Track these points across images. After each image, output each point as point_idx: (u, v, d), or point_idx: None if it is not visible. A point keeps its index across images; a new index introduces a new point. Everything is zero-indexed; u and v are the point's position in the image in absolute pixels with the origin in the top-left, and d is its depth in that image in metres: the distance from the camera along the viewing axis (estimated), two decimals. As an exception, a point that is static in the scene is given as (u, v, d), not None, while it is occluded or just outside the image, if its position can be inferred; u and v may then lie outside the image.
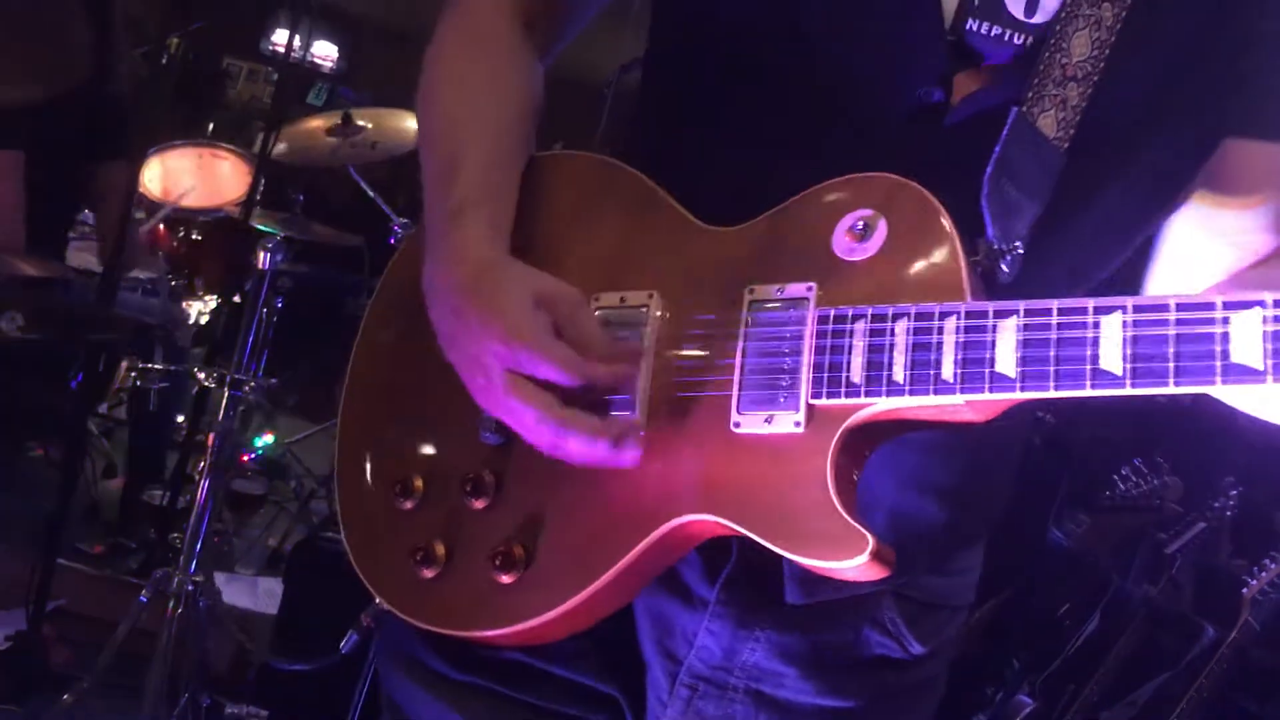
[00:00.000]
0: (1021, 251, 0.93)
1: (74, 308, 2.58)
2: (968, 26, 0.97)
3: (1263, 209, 1.04)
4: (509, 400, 0.90)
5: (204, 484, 2.39)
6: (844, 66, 0.98)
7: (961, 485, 1.02)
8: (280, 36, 11.61)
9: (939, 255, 0.88)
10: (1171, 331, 0.80)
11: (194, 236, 4.26)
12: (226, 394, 2.40)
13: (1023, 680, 3.09)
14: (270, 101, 11.05)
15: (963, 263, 0.87)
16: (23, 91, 2.42)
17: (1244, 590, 2.69)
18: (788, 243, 0.94)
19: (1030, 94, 0.94)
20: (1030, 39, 0.97)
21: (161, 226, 4.03)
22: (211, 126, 8.55)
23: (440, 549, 0.98)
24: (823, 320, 0.89)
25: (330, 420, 4.67)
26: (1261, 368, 0.78)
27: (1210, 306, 0.79)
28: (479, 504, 0.98)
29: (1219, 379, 0.78)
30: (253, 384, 2.42)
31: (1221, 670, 2.62)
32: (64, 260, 3.40)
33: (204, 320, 4.20)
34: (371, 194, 4.53)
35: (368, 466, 1.07)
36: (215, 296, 4.33)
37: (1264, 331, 0.77)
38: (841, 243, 0.91)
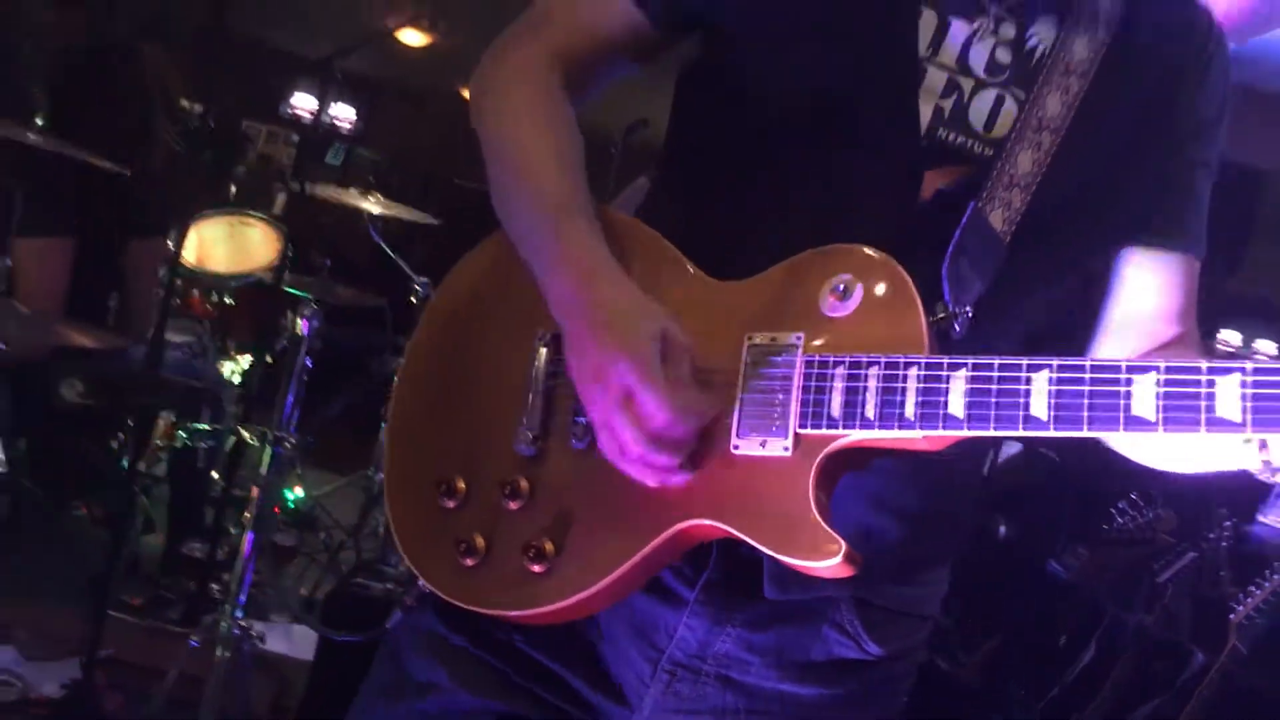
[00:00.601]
0: (970, 316, 1.12)
1: (128, 374, 2.77)
2: (939, 135, 1.19)
3: (1164, 306, 1.28)
4: (616, 415, 1.07)
5: (248, 534, 2.57)
6: (840, 162, 1.19)
7: (920, 509, 1.21)
8: (300, 100, 11.94)
9: (905, 315, 1.08)
10: (1087, 388, 0.98)
11: (226, 300, 4.47)
12: (269, 450, 2.59)
13: (1025, 708, 3.22)
14: (290, 163, 11.34)
15: (924, 322, 1.07)
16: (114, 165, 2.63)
17: (1231, 616, 2.84)
18: (782, 298, 1.13)
19: (985, 194, 1.15)
20: (988, 149, 1.18)
21: (196, 292, 4.24)
22: (233, 189, 8.78)
23: (480, 541, 1.17)
24: (809, 364, 1.08)
25: (357, 473, 4.86)
26: (1154, 420, 0.96)
27: (1117, 369, 0.98)
28: (514, 505, 1.17)
29: (1121, 428, 0.97)
30: (292, 440, 2.61)
31: (1211, 693, 2.76)
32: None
33: (236, 380, 4.41)
34: (393, 255, 4.75)
35: (416, 470, 1.26)
36: (248, 356, 4.54)
37: (1156, 391, 0.96)
38: (826, 301, 1.11)
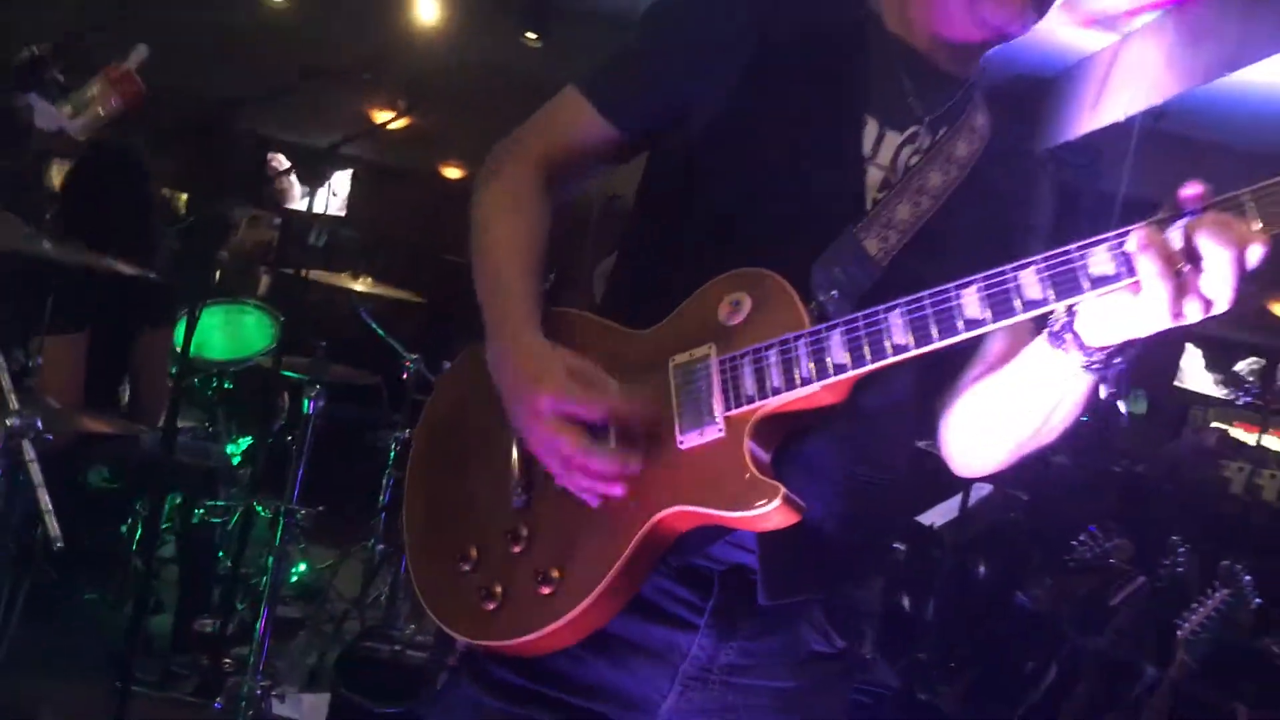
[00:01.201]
0: (837, 295, 1.38)
1: (147, 459, 2.97)
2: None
3: (1015, 339, 1.48)
4: (552, 437, 1.33)
5: (265, 602, 2.78)
6: (795, 251, 1.42)
7: (860, 525, 1.46)
8: (281, 184, 12.19)
9: (787, 308, 1.35)
10: (930, 311, 1.25)
11: (226, 386, 4.70)
12: (281, 523, 2.80)
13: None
14: (274, 245, 11.53)
15: (801, 307, 1.34)
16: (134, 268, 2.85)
17: (1178, 633, 3.05)
18: (692, 324, 1.41)
19: (863, 223, 1.43)
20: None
21: (196, 380, 4.47)
22: (218, 274, 8.97)
23: (498, 588, 1.40)
24: (722, 364, 1.35)
25: (357, 545, 5.05)
26: (983, 317, 1.22)
27: (946, 292, 1.24)
28: (518, 549, 1.41)
29: (962, 329, 1.23)
30: (303, 513, 2.83)
31: (1163, 705, 2.97)
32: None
33: (236, 460, 4.61)
34: (384, 335, 4.99)
35: (435, 548, 1.50)
36: (248, 437, 4.75)
37: (979, 297, 1.22)
38: (724, 315, 1.38)
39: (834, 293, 1.38)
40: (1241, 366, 7.85)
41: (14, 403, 1.91)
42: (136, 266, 3.01)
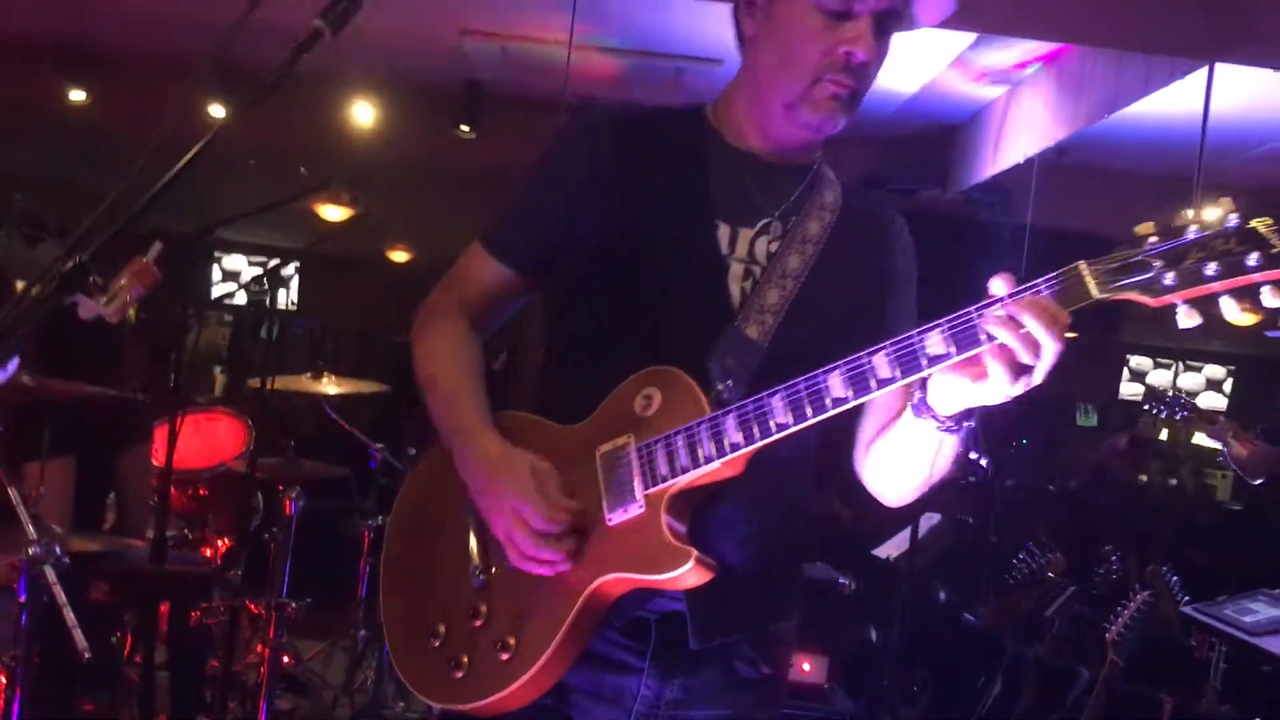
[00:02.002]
0: (733, 384, 1.61)
1: (144, 572, 3.17)
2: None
3: (892, 402, 1.68)
4: (511, 529, 1.59)
5: (263, 702, 2.98)
6: (676, 346, 1.66)
7: (774, 562, 1.73)
8: (229, 286, 12.32)
9: (690, 398, 1.59)
10: (804, 394, 1.50)
11: (201, 492, 4.88)
12: (275, 617, 3.02)
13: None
14: (226, 343, 11.63)
15: (703, 398, 1.58)
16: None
17: (1106, 635, 3.32)
18: (614, 418, 1.64)
19: (741, 315, 1.67)
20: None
21: (172, 489, 4.64)
22: (172, 378, 9.05)
23: (464, 658, 1.65)
24: (639, 450, 1.59)
25: (340, 633, 5.22)
26: (891, 375, 1.45)
27: (815, 378, 1.49)
28: (479, 623, 1.66)
29: (852, 398, 1.47)
30: (294, 605, 3.05)
31: (1099, 704, 3.23)
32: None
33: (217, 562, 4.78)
34: (349, 428, 5.21)
35: (408, 629, 1.75)
36: (226, 539, 4.93)
37: (888, 359, 1.45)
38: (639, 407, 1.62)
39: (729, 381, 1.62)
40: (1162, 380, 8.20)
41: (32, 531, 2.14)
42: (115, 388, 3.22)
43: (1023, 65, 5.46)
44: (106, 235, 1.30)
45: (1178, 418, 5.63)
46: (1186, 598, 3.83)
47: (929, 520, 5.81)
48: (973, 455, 1.43)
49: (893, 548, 5.64)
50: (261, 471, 4.65)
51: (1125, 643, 3.32)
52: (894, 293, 1.79)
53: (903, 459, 1.66)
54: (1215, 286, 1.30)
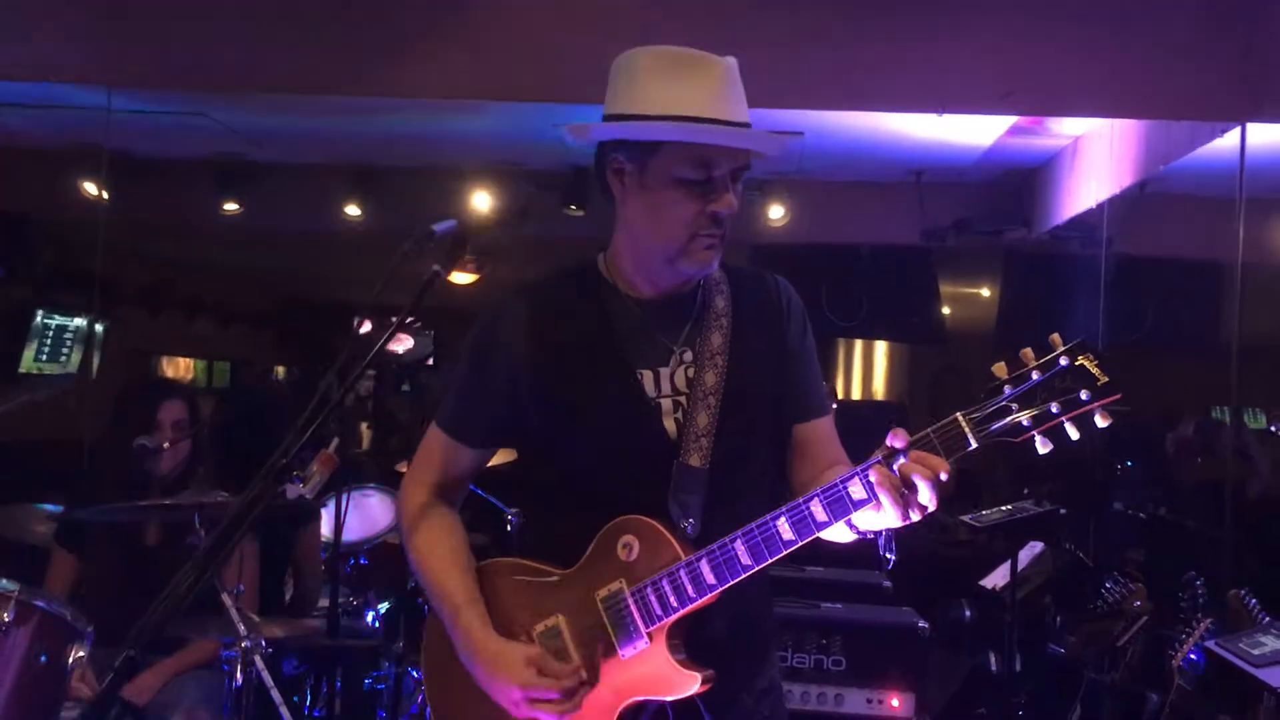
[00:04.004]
0: (693, 521, 1.86)
1: (326, 646, 3.72)
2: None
3: (821, 450, 2.00)
4: (532, 709, 1.84)
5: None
6: (625, 488, 1.89)
7: (746, 632, 1.98)
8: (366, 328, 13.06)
9: (665, 544, 1.83)
10: (758, 538, 1.75)
11: (362, 562, 5.50)
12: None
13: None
14: (370, 397, 12.35)
15: (676, 545, 1.81)
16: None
17: (1172, 661, 3.61)
18: (601, 565, 1.86)
19: (682, 448, 1.88)
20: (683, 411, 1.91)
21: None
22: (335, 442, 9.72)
23: None
24: (633, 594, 1.83)
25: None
26: (826, 519, 1.73)
27: (767, 524, 1.75)
28: None
29: (801, 539, 1.75)
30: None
31: (1167, 726, 3.53)
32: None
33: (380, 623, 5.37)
34: (483, 494, 5.75)
35: None
36: (386, 603, 5.53)
37: (822, 504, 1.73)
38: (623, 554, 1.86)
39: (691, 520, 1.86)
40: None
41: (243, 628, 2.70)
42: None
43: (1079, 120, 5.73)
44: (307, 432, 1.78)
45: (1273, 429, 5.71)
46: (1267, 618, 4.06)
47: (1032, 549, 6.05)
48: (887, 555, 1.74)
49: (998, 578, 5.89)
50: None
51: (1190, 667, 3.61)
52: (799, 361, 2.01)
53: (839, 535, 1.85)
54: (1060, 420, 1.64)
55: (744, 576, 1.78)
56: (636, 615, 1.83)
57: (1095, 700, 3.96)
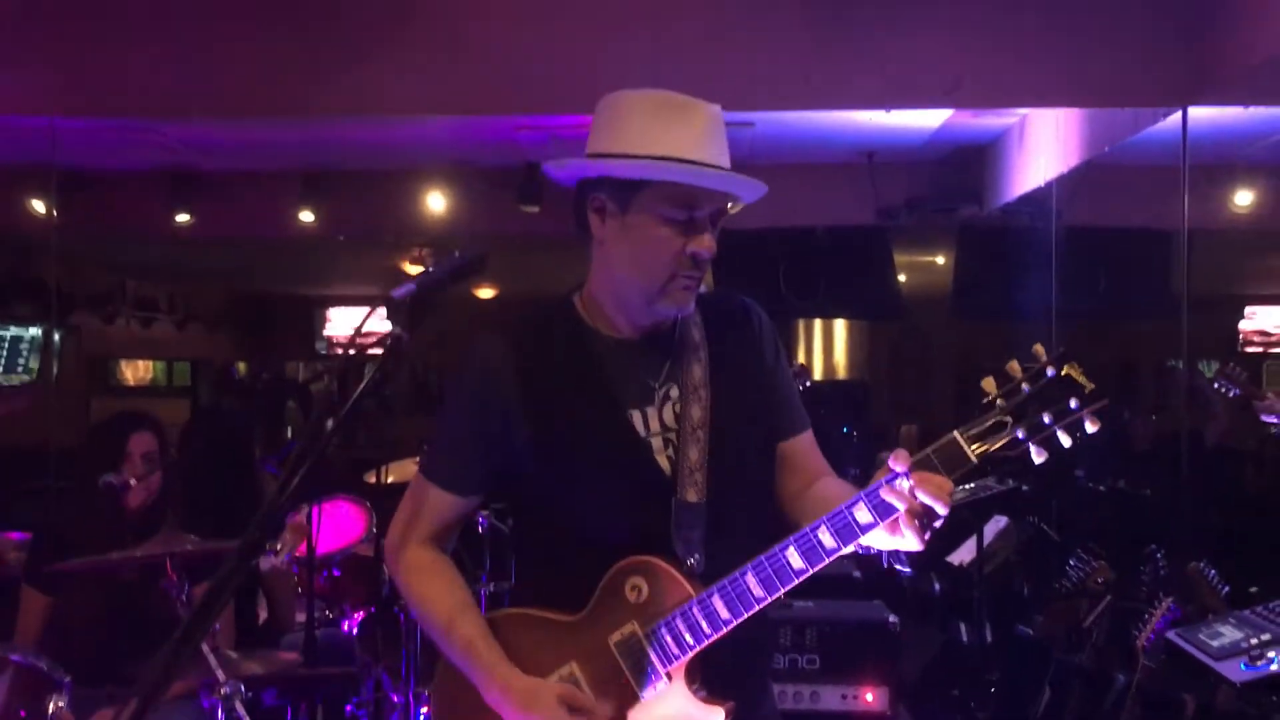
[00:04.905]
0: (698, 556, 1.88)
1: (302, 676, 3.73)
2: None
3: (805, 463, 2.05)
4: None
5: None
6: (624, 524, 1.90)
7: (749, 650, 1.97)
8: (330, 328, 13.11)
9: (674, 583, 1.84)
10: (768, 571, 1.79)
11: (335, 574, 5.50)
12: (413, 707, 3.58)
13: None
14: (336, 388, 12.26)
15: (685, 582, 1.82)
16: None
17: (1136, 641, 3.68)
18: (611, 608, 1.86)
19: (679, 485, 1.90)
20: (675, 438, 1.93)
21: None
22: (289, 431, 9.65)
23: None
24: (646, 635, 1.84)
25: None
26: (835, 545, 1.77)
27: (777, 554, 1.78)
28: None
29: (801, 573, 1.77)
30: (426, 693, 3.60)
31: (1134, 708, 3.61)
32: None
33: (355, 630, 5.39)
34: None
35: None
36: (361, 612, 5.54)
37: (830, 531, 1.77)
38: (632, 596, 1.87)
39: (695, 555, 1.88)
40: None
41: (222, 674, 2.71)
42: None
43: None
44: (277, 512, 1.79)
45: (1229, 394, 5.74)
46: (1226, 588, 4.15)
47: (997, 524, 6.12)
48: (898, 566, 1.80)
49: (965, 553, 5.97)
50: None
51: (1154, 647, 3.68)
52: (775, 382, 2.06)
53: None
54: (1053, 429, 1.68)
55: (758, 609, 1.81)
56: (654, 656, 1.84)
57: (1064, 682, 4.05)
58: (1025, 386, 1.70)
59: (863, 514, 1.75)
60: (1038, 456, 1.70)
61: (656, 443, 1.94)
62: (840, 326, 10.54)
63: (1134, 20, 4.38)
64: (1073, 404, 1.67)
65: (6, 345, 9.44)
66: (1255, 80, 3.97)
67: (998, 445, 1.71)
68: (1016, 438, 1.70)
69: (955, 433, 1.72)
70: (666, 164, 1.85)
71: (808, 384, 5.82)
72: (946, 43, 4.44)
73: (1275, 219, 7.00)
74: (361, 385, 1.89)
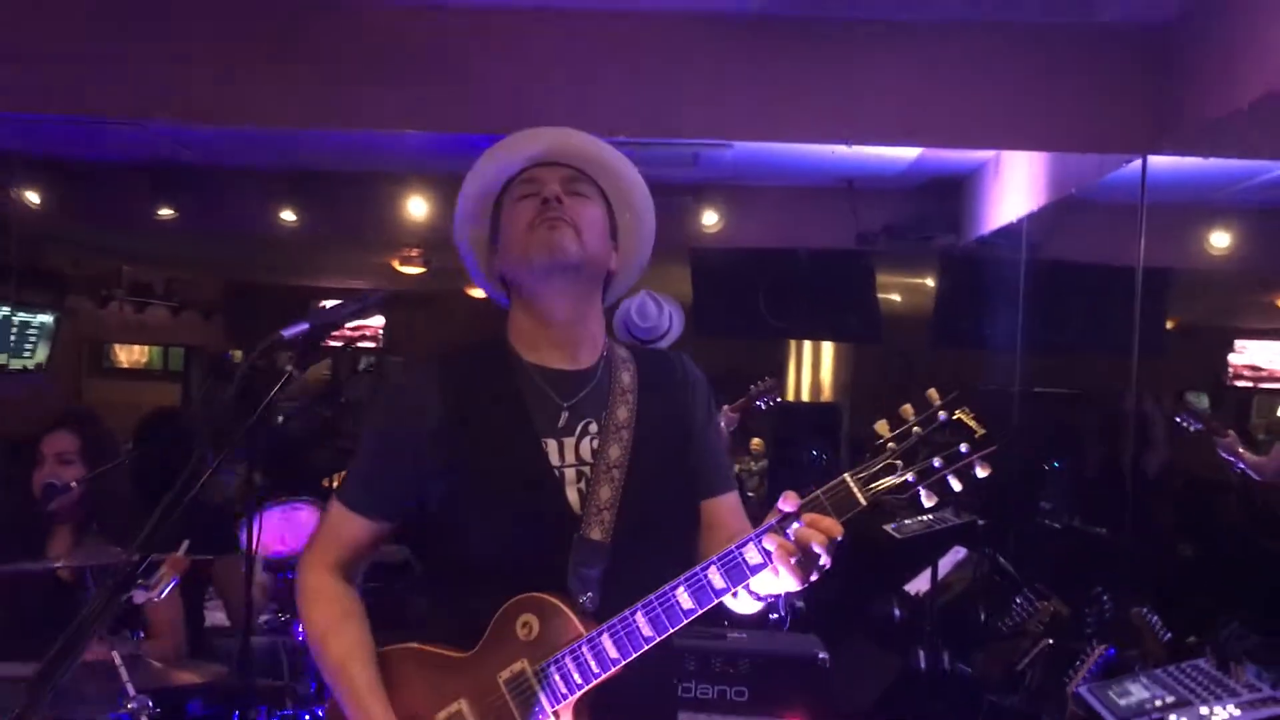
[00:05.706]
0: (592, 594, 1.86)
1: (234, 689, 3.71)
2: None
3: (726, 524, 2.04)
4: None
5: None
6: (529, 558, 1.90)
7: (651, 683, 1.96)
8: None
9: (566, 621, 1.83)
10: (658, 610, 1.78)
11: (290, 576, 5.49)
12: None
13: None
14: (329, 376, 12.32)
15: (575, 620, 1.81)
16: None
17: (1066, 687, 3.70)
18: (502, 646, 1.86)
19: (584, 521, 1.90)
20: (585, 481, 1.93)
21: (266, 579, 5.26)
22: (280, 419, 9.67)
23: None
24: (536, 674, 1.83)
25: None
26: (724, 586, 1.76)
27: (668, 594, 1.77)
28: None
29: (696, 609, 1.77)
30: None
31: (1060, 753, 3.62)
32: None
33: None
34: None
35: None
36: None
37: (721, 570, 1.76)
38: (523, 634, 1.85)
39: (589, 593, 1.87)
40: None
41: (131, 689, 2.71)
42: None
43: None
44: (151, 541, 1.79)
45: (1190, 429, 5.74)
46: (1169, 635, 4.16)
47: (955, 555, 6.12)
48: (772, 616, 1.81)
49: (921, 583, 5.97)
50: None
51: (1082, 694, 3.70)
52: (703, 437, 2.06)
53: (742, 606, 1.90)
54: (943, 473, 1.70)
55: (647, 648, 1.80)
56: (543, 696, 1.84)
57: (995, 723, 4.06)
58: (916, 430, 1.71)
59: (752, 554, 1.76)
60: (927, 500, 1.71)
61: (570, 474, 1.94)
62: (816, 348, 10.54)
63: (1098, 69, 4.42)
64: (963, 449, 1.68)
65: (15, 330, 9.43)
66: (1214, 134, 4.00)
67: (887, 487, 1.71)
68: (907, 481, 1.71)
69: (846, 475, 1.73)
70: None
71: (777, 400, 5.81)
72: (909, 84, 4.47)
73: (1247, 259, 7.05)
74: (250, 419, 1.92)
